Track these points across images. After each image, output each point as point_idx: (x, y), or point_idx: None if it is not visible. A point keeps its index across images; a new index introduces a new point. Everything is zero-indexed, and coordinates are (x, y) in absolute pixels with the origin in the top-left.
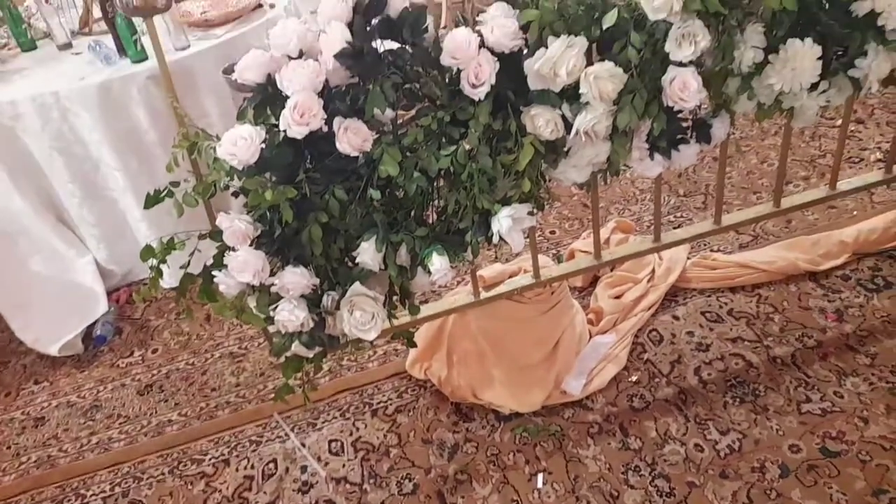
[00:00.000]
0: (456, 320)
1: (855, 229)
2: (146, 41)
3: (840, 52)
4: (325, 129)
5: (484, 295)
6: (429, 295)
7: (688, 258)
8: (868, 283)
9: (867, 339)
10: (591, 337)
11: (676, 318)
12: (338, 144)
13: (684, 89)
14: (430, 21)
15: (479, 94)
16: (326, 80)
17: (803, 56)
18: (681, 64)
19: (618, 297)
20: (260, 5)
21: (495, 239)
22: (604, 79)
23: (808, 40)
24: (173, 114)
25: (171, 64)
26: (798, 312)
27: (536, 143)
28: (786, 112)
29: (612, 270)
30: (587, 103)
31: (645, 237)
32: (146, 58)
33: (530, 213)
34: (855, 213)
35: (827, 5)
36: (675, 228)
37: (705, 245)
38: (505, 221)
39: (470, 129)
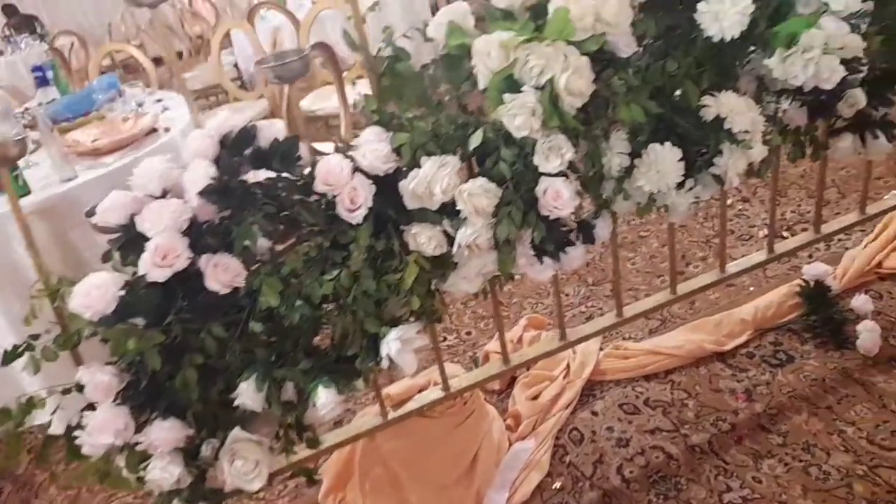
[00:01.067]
0: (365, 445)
1: (752, 307)
2: (29, 174)
3: (703, 151)
4: (194, 266)
5: (392, 415)
6: (342, 415)
7: (601, 348)
8: (771, 358)
9: (777, 417)
10: (510, 444)
11: (595, 413)
12: (206, 282)
13: (557, 198)
14: (303, 148)
15: (357, 217)
16: (195, 217)
17: (665, 158)
18: (552, 174)
19: (535, 398)
20: (154, 130)
21: (385, 363)
22: (478, 195)
23: (668, 144)
24: (60, 250)
25: (56, 196)
26: (710, 396)
27: (421, 261)
28: (661, 208)
29: (528, 369)
30: (465, 218)
31: (556, 333)
32: (28, 192)
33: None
34: (752, 288)
35: (681, 112)
36: (586, 320)
37: (617, 333)
38: (394, 344)
39: (352, 251)
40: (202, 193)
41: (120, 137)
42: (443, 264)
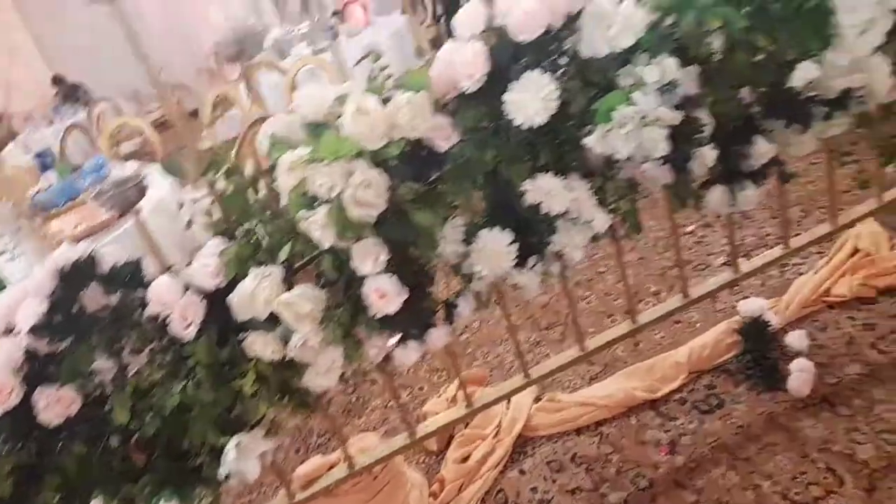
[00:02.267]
0: None
1: (687, 348)
2: (13, 266)
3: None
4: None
5: (300, 496)
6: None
7: (537, 399)
8: (702, 404)
9: (696, 471)
10: None
11: (523, 472)
12: (39, 416)
13: (384, 296)
14: (146, 268)
15: (189, 334)
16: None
17: (495, 243)
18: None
19: (465, 459)
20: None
21: (224, 471)
22: (299, 303)
23: (496, 229)
24: None
25: None
26: (635, 449)
27: (262, 366)
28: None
29: (465, 427)
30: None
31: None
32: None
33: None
34: (699, 324)
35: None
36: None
37: (556, 381)
38: (231, 454)
39: (194, 364)
40: (32, 331)
41: (93, 224)
42: (292, 365)
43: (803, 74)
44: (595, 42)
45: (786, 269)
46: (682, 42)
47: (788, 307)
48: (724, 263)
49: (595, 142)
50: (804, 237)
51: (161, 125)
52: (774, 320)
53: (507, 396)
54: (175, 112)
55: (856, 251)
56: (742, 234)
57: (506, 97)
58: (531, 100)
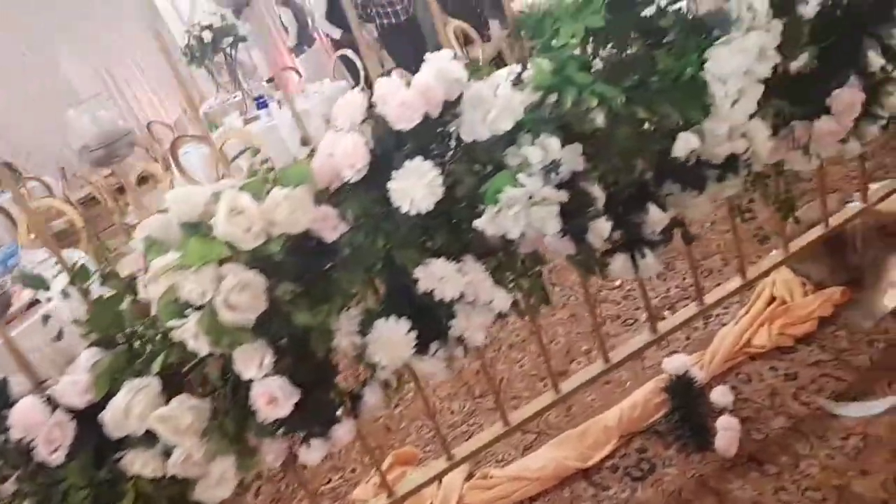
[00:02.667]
0: None
1: (617, 410)
2: None
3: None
4: None
5: None
6: None
7: (469, 476)
8: (634, 469)
9: None
10: None
11: None
12: None
13: (272, 401)
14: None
15: (58, 459)
16: None
17: (392, 333)
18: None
19: None
20: (37, 301)
21: None
22: (177, 416)
23: (392, 318)
24: None
25: None
26: None
27: (143, 485)
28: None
29: None
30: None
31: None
32: None
33: None
34: (629, 383)
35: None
36: (467, 439)
37: (490, 454)
38: None
39: (67, 488)
40: None
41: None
42: (178, 480)
43: (684, 145)
44: (475, 127)
45: (709, 320)
46: (565, 120)
47: (712, 361)
48: (670, 307)
49: (485, 224)
50: (717, 293)
51: (90, 201)
52: (699, 375)
53: (434, 480)
54: (103, 188)
55: (773, 299)
56: (666, 285)
57: (390, 185)
58: (415, 187)
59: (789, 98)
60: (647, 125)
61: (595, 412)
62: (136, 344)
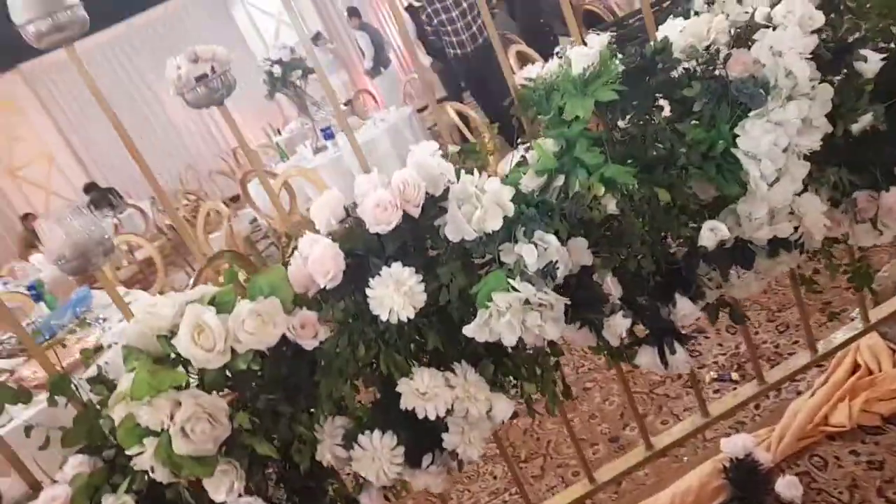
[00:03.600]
0: None
1: (670, 493)
2: None
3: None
4: None
5: None
6: None
7: None
8: None
9: None
10: None
11: None
12: None
13: None
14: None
15: None
16: None
17: (377, 448)
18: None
19: None
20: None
21: None
22: None
23: (377, 432)
24: None
25: None
26: None
27: None
28: None
29: None
30: None
31: None
32: None
33: None
34: (686, 458)
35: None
36: None
37: None
38: None
39: None
40: None
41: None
42: None
43: (712, 235)
44: (461, 226)
45: (784, 386)
46: (570, 208)
47: (782, 440)
48: (715, 379)
49: (475, 331)
50: (779, 371)
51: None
52: (765, 458)
53: None
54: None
55: (856, 367)
56: (737, 339)
57: (368, 292)
58: (393, 296)
59: (849, 165)
60: (672, 206)
61: (646, 492)
62: (117, 457)
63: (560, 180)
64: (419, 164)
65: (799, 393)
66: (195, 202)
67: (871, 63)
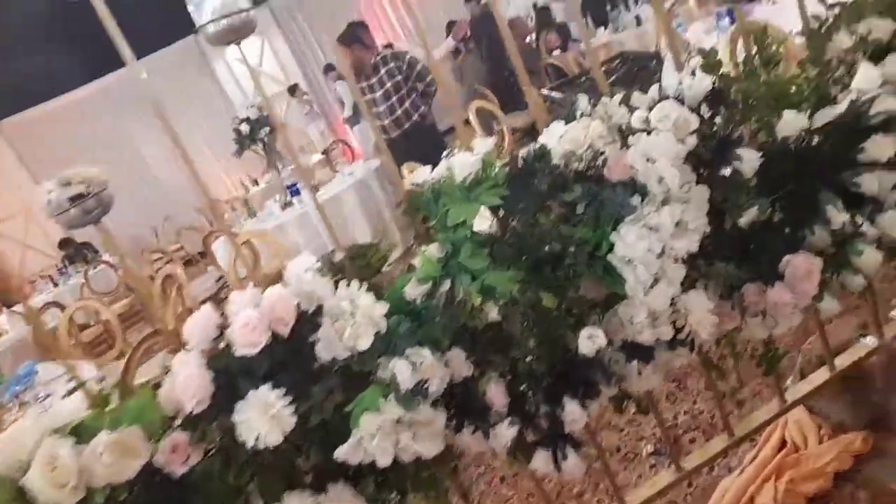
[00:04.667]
0: None
1: None
2: None
3: None
4: None
5: None
6: None
7: None
8: None
9: None
10: None
11: None
12: None
13: None
14: None
15: None
16: None
17: None
18: None
19: None
20: None
21: None
22: None
23: None
24: None
25: None
26: None
27: None
28: None
29: None
30: None
31: None
32: None
33: None
34: None
35: None
36: None
37: None
38: None
39: None
40: None
41: None
42: None
43: (589, 344)
44: (331, 344)
45: (718, 462)
46: (453, 316)
47: None
48: (651, 453)
49: (349, 453)
50: (696, 457)
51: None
52: None
53: None
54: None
55: (784, 443)
56: (677, 409)
57: (234, 417)
58: (259, 420)
59: (740, 258)
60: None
61: None
62: None
63: (447, 285)
64: (294, 278)
65: (730, 469)
66: (168, 258)
67: (747, 162)
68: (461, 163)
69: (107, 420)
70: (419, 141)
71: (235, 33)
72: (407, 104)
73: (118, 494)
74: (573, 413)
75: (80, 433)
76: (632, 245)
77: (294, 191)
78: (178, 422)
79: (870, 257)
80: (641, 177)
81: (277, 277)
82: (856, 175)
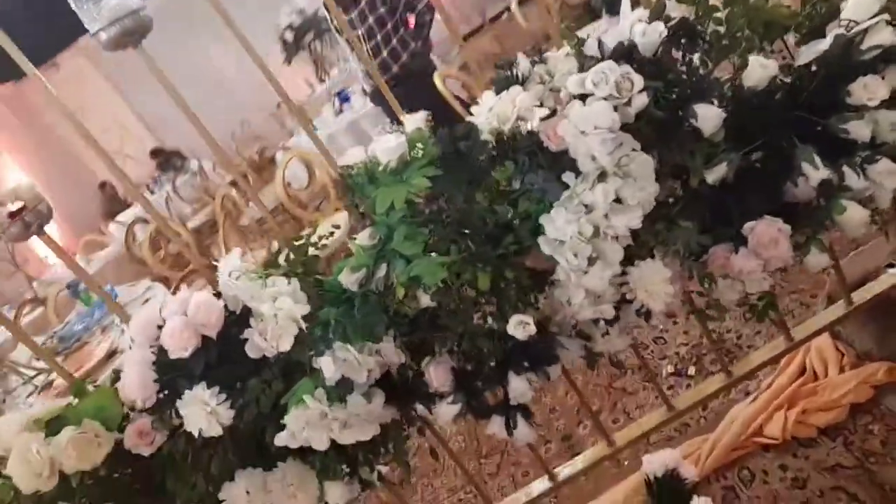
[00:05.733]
0: None
1: None
2: None
3: None
4: None
5: None
6: None
7: None
8: None
9: None
10: None
11: None
12: None
13: None
14: None
15: None
16: None
17: None
18: None
19: None
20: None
21: None
22: None
23: None
24: None
25: None
26: None
27: None
28: None
29: None
30: None
31: None
32: None
33: None
34: (626, 462)
35: None
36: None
37: None
38: None
39: None
40: None
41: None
42: None
43: (521, 330)
44: (258, 345)
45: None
46: (385, 302)
47: (713, 451)
48: (671, 374)
49: (286, 440)
50: (691, 395)
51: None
52: (690, 473)
53: None
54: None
55: (803, 370)
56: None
57: (180, 412)
58: (198, 415)
59: (704, 222)
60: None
61: (584, 498)
62: None
63: (383, 270)
64: (222, 281)
65: (748, 393)
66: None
67: (704, 119)
68: (383, 149)
69: (70, 416)
70: (414, 90)
71: (130, 36)
72: (395, 42)
73: (93, 475)
74: (517, 389)
75: (49, 427)
76: (562, 228)
77: (343, 97)
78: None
79: (854, 215)
80: (572, 152)
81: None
82: (843, 121)
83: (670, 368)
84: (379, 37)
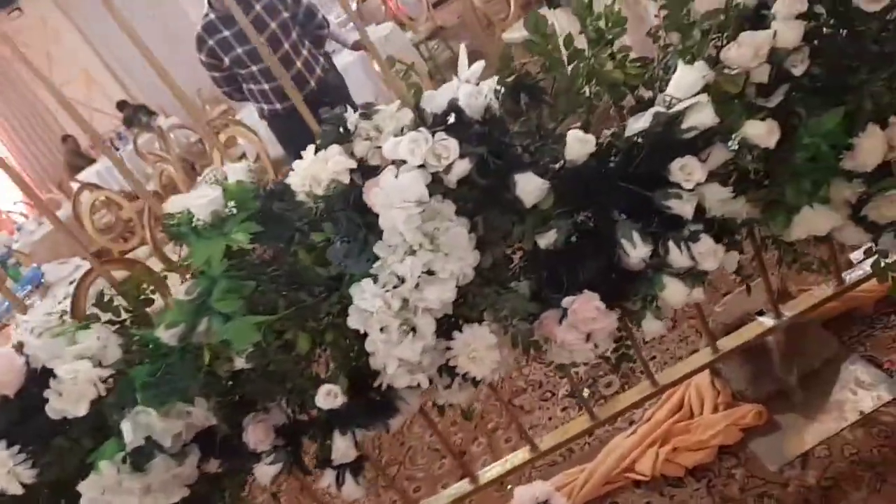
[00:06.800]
0: None
1: None
2: None
3: None
4: None
5: None
6: None
7: None
8: None
9: None
10: None
11: None
12: None
13: None
14: None
15: None
16: None
17: None
18: None
19: None
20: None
21: None
22: None
23: None
24: None
25: None
26: None
27: None
28: None
29: None
30: None
31: None
32: None
33: None
34: (509, 487)
35: None
36: None
37: None
38: None
39: None
40: None
41: None
42: None
43: (330, 401)
44: (56, 409)
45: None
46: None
47: (587, 483)
48: (567, 395)
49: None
50: (551, 439)
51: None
52: None
53: None
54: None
55: (682, 405)
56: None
57: None
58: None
59: (540, 285)
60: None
61: None
62: None
63: (204, 324)
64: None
65: (632, 423)
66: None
67: (524, 191)
68: (196, 205)
69: None
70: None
71: None
72: (305, 53)
73: None
74: (340, 449)
75: None
76: (368, 300)
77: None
78: None
79: (675, 291)
80: (381, 224)
81: None
82: (665, 197)
83: (566, 390)
84: (286, 45)
